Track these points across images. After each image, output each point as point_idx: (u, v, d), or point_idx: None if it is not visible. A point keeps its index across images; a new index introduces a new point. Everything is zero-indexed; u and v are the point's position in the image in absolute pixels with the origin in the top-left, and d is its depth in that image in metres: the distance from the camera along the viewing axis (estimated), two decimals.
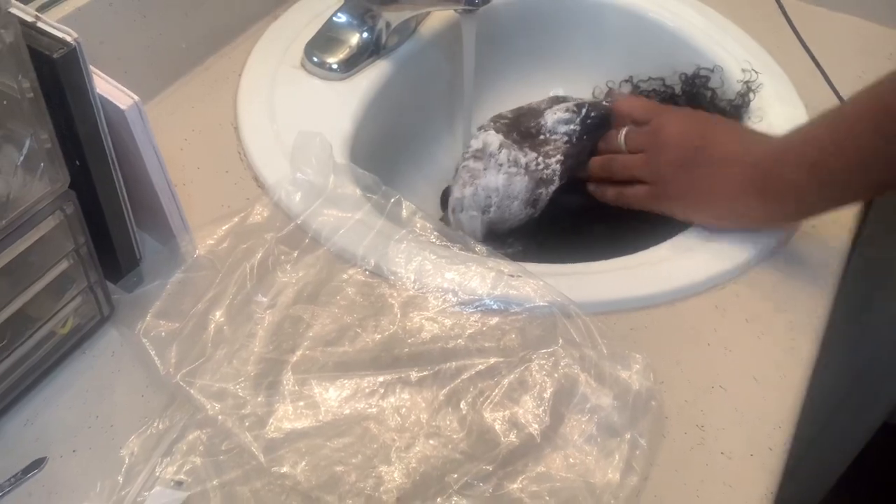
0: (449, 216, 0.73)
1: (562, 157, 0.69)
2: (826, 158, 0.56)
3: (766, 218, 0.63)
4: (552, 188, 0.69)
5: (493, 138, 0.71)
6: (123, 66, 0.70)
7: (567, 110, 0.71)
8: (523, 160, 0.69)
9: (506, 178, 0.69)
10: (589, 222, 0.74)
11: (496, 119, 0.75)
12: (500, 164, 0.70)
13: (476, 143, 0.72)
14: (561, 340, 0.56)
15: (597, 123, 0.70)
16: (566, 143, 0.70)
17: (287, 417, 0.52)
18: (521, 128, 0.72)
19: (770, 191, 0.59)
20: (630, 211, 0.72)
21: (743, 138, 0.64)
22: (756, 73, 0.76)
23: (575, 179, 0.71)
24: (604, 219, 0.73)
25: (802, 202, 0.60)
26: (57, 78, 0.47)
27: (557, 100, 0.74)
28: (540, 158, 0.69)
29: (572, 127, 0.70)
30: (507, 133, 0.72)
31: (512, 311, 0.59)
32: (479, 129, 0.74)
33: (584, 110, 0.71)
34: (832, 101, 0.74)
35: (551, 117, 0.71)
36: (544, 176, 0.69)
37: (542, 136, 0.71)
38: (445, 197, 0.75)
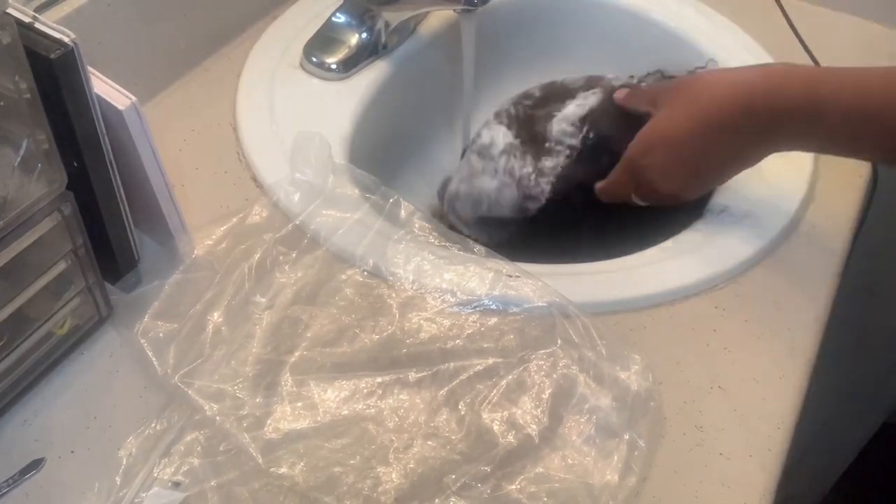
0: (444, 204, 0.76)
1: (553, 180, 0.71)
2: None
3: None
4: (538, 206, 0.71)
5: (501, 139, 0.72)
6: (122, 66, 0.70)
7: (572, 123, 0.71)
8: (518, 173, 0.71)
9: (498, 186, 0.72)
10: (589, 223, 0.74)
11: (519, 100, 0.75)
12: (497, 171, 0.72)
13: (485, 138, 0.73)
14: (560, 341, 0.56)
15: (595, 144, 0.70)
16: (567, 157, 0.71)
17: (285, 418, 0.52)
18: (532, 130, 0.72)
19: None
20: (629, 210, 0.71)
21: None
22: None
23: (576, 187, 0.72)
24: (603, 219, 0.73)
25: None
26: (54, 79, 0.47)
27: (592, 80, 0.74)
28: (534, 176, 0.71)
29: (573, 142, 0.71)
30: (518, 131, 0.73)
31: (511, 312, 0.59)
32: (496, 115, 0.75)
33: (585, 128, 0.71)
34: None
35: (557, 127, 0.71)
36: (532, 193, 0.71)
37: (546, 145, 0.72)
38: (444, 186, 0.78)
